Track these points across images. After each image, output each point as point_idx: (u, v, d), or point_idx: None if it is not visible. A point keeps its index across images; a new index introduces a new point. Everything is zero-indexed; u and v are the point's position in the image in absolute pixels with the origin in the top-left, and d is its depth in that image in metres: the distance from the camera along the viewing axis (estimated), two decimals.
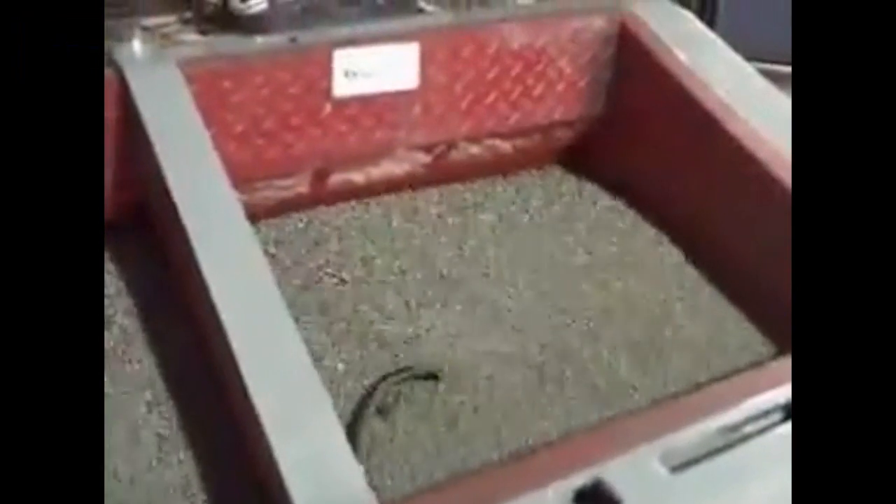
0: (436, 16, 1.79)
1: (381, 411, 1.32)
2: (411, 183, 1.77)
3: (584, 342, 1.49)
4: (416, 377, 1.38)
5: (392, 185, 1.76)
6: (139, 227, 1.45)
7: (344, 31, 1.65)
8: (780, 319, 1.46)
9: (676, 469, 1.08)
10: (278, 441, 1.07)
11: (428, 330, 1.48)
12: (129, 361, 1.33)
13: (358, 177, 1.72)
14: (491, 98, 1.74)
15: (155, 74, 1.47)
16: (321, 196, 1.69)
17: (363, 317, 1.49)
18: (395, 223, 1.71)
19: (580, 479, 1.04)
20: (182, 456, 1.21)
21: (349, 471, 1.06)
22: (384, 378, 1.37)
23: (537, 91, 1.78)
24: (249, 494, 1.13)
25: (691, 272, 1.67)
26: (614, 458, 1.07)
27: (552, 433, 1.32)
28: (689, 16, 1.86)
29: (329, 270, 1.57)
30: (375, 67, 1.63)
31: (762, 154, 1.57)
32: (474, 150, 1.79)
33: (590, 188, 1.86)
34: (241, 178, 1.44)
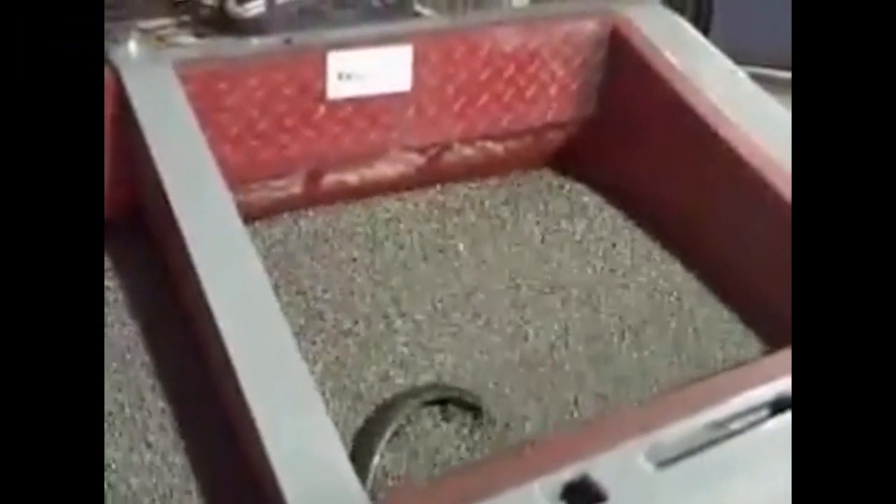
0: (430, 19, 1.81)
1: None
2: (405, 184, 1.78)
3: (578, 343, 1.50)
4: (453, 401, 1.37)
5: (385, 186, 1.77)
6: (134, 225, 1.47)
7: (338, 33, 1.67)
8: (770, 320, 1.49)
9: (662, 464, 1.09)
10: (270, 438, 1.08)
11: (422, 334, 1.49)
12: (124, 359, 1.34)
13: (352, 178, 1.73)
14: (483, 100, 1.75)
15: (151, 75, 1.49)
16: (315, 197, 1.71)
17: (352, 318, 1.50)
18: (388, 224, 1.72)
19: (567, 474, 1.05)
20: (176, 454, 1.22)
21: (340, 467, 1.07)
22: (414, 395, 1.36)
23: (529, 93, 1.79)
24: (243, 491, 1.14)
25: (682, 274, 1.68)
26: (601, 453, 1.08)
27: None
28: (680, 20, 1.88)
29: (321, 270, 1.59)
30: (369, 69, 1.64)
31: (753, 158, 1.59)
32: (467, 151, 1.80)
33: (580, 190, 1.87)
34: (235, 179, 1.45)
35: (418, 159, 1.77)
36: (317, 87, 1.61)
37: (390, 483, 1.24)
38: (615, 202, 1.83)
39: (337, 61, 1.61)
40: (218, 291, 1.23)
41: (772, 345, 1.50)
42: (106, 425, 1.23)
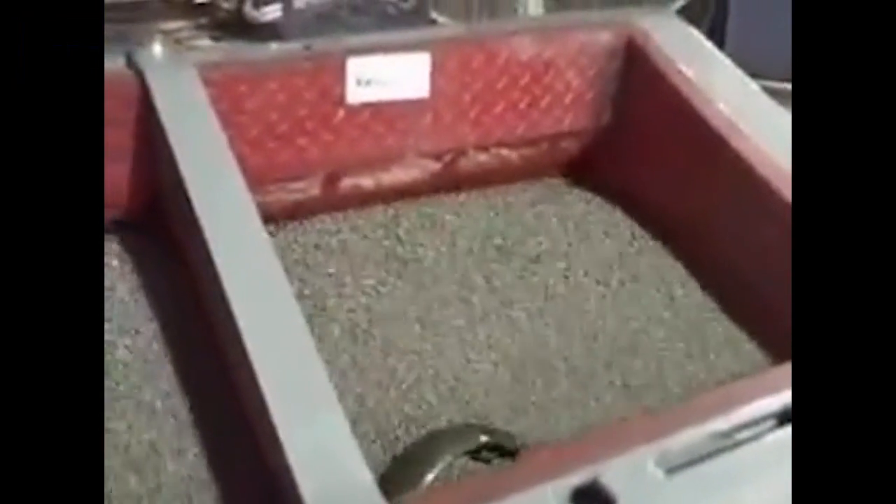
0: (448, 27, 1.82)
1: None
2: (420, 189, 1.80)
3: (584, 353, 1.52)
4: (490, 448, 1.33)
5: (401, 191, 1.78)
6: (155, 225, 1.48)
7: (357, 39, 1.69)
8: (777, 331, 1.50)
9: (671, 471, 1.11)
10: (288, 438, 1.10)
11: (439, 341, 1.51)
12: (143, 357, 1.36)
13: (368, 182, 1.75)
14: (499, 108, 1.77)
15: (174, 77, 1.50)
16: (332, 200, 1.72)
17: (362, 320, 1.51)
18: (403, 228, 1.74)
19: (578, 478, 1.07)
20: (193, 449, 1.24)
21: (355, 464, 1.09)
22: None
23: (545, 102, 1.81)
24: (259, 486, 1.16)
25: (692, 284, 1.69)
26: (612, 458, 1.09)
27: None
28: (694, 32, 1.89)
29: (336, 272, 1.60)
30: (388, 76, 1.66)
31: (765, 170, 1.60)
32: (483, 158, 1.82)
33: (594, 199, 1.88)
34: (254, 181, 1.47)
35: (434, 165, 1.79)
36: (336, 91, 1.62)
37: None
38: (628, 210, 1.84)
39: (356, 67, 1.63)
40: (237, 291, 1.25)
41: (780, 355, 1.51)
42: (124, 423, 1.25)
